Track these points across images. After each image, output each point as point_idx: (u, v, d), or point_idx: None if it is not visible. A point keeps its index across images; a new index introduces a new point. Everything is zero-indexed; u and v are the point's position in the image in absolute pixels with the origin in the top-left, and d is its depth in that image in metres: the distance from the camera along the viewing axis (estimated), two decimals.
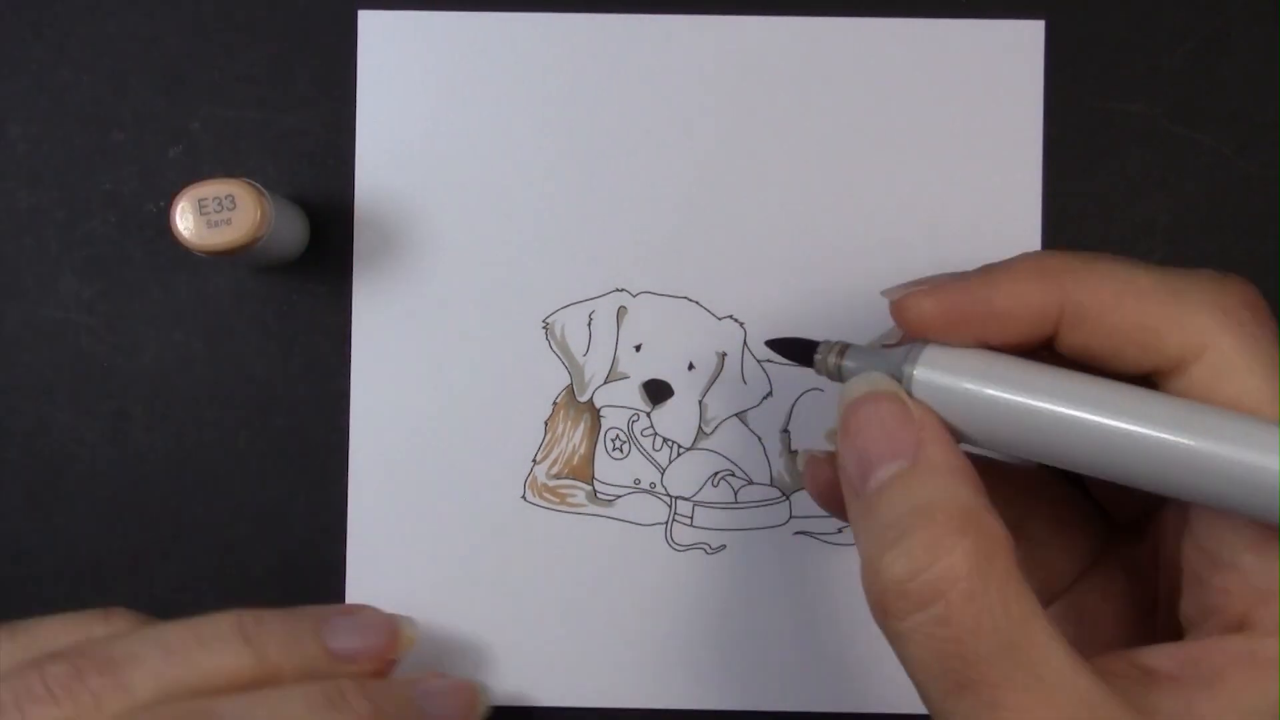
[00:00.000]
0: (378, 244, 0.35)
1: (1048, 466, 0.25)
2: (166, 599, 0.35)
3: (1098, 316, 0.23)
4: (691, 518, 0.35)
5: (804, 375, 0.35)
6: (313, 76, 0.35)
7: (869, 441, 0.24)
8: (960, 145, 0.35)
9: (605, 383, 0.35)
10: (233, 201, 0.30)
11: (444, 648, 0.35)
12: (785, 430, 0.35)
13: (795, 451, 0.35)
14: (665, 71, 0.35)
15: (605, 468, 0.35)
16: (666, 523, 0.35)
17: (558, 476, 0.35)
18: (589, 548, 0.35)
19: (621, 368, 0.35)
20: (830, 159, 0.35)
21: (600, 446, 0.35)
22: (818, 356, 0.27)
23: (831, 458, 0.26)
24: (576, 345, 0.35)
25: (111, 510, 0.35)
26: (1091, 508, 0.30)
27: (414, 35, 0.35)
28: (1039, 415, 0.23)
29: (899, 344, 0.27)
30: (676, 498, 0.35)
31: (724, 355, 0.35)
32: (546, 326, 0.35)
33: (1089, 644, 0.23)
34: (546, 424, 0.35)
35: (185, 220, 0.30)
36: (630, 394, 0.35)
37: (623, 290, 0.35)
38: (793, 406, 0.35)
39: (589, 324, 0.35)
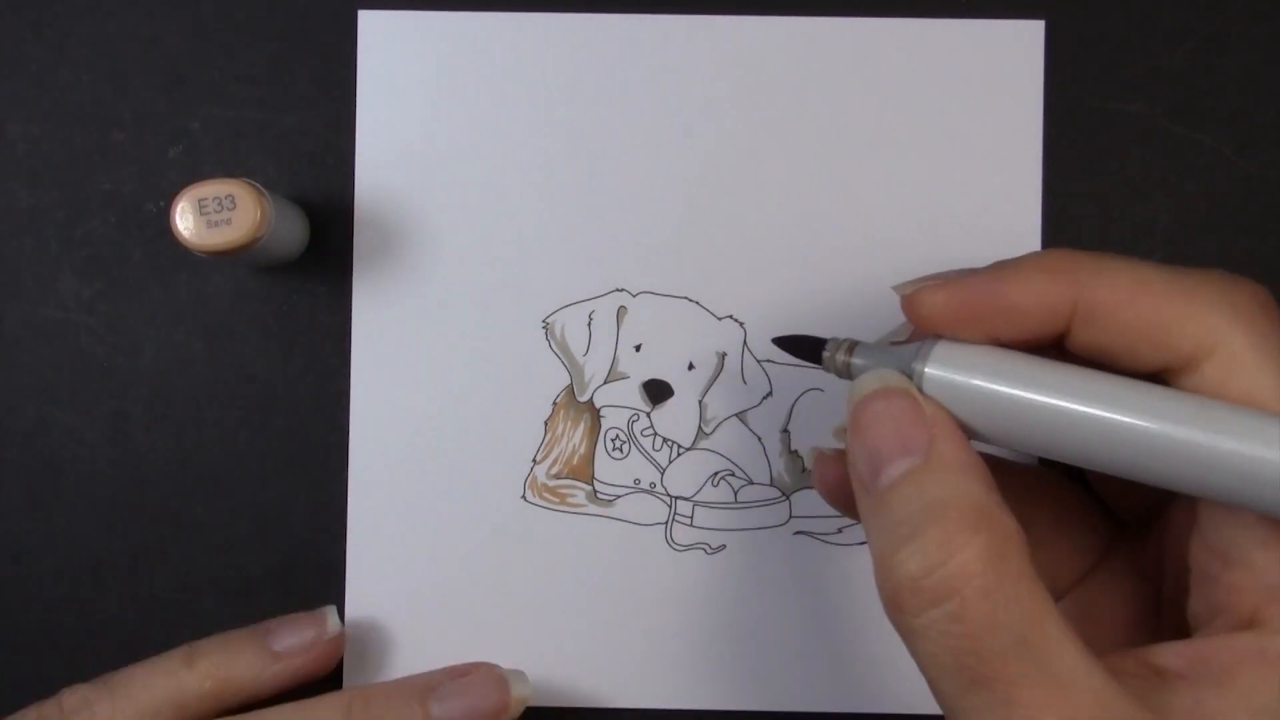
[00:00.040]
0: (378, 244, 0.35)
1: (1050, 464, 0.25)
2: (166, 599, 0.35)
3: (1110, 313, 0.23)
4: (691, 518, 0.35)
5: (804, 375, 0.35)
6: (313, 76, 0.35)
7: (880, 438, 0.24)
8: (960, 145, 0.35)
9: (605, 383, 0.35)
10: (233, 201, 0.30)
11: (444, 648, 0.35)
12: (785, 430, 0.35)
13: (795, 451, 0.35)
14: (665, 71, 0.35)
15: (605, 468, 0.35)
16: (666, 523, 0.35)
17: (558, 476, 0.35)
18: (589, 548, 0.35)
19: (621, 368, 0.35)
20: (830, 159, 0.35)
21: (600, 446, 0.35)
22: (826, 354, 0.26)
23: (840, 455, 0.26)
24: (576, 345, 0.35)
25: (111, 510, 0.35)
26: (1095, 506, 0.30)
27: (414, 35, 0.35)
28: (1051, 412, 0.23)
29: (908, 341, 0.27)
30: (676, 498, 0.35)
31: (724, 355, 0.35)
32: (546, 326, 0.35)
33: (1095, 643, 0.23)
34: (546, 424, 0.35)
35: (185, 220, 0.30)
36: (630, 394, 0.35)
37: (623, 290, 0.35)
38: (793, 406, 0.35)
39: (589, 324, 0.35)
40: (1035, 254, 0.25)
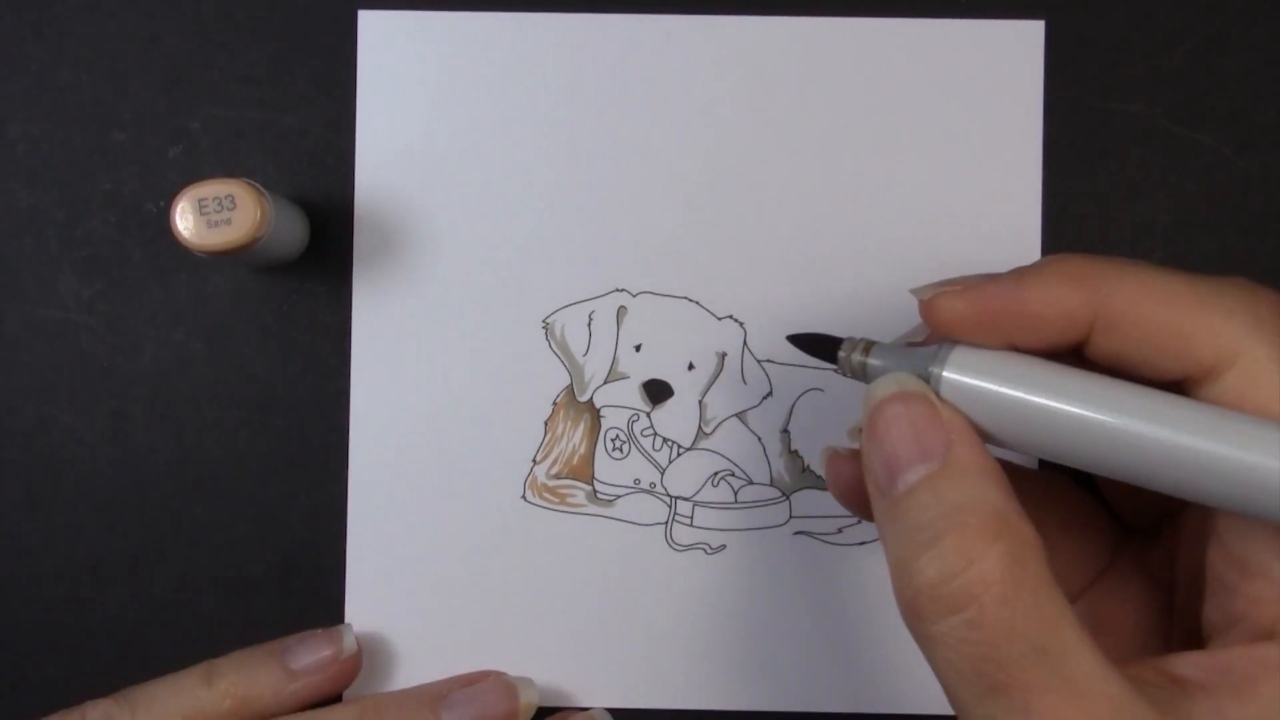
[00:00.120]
0: (378, 244, 0.35)
1: (1058, 470, 0.25)
2: (166, 599, 0.35)
3: (1131, 322, 0.23)
4: (691, 518, 0.35)
5: (804, 375, 0.35)
6: (313, 76, 0.35)
7: (897, 443, 0.24)
8: (960, 145, 0.35)
9: (605, 383, 0.35)
10: (233, 201, 0.30)
11: (444, 648, 0.35)
12: (785, 430, 0.35)
13: (795, 451, 0.35)
14: (665, 71, 0.35)
15: (605, 468, 0.35)
16: (666, 523, 0.35)
17: (558, 476, 0.35)
18: (589, 548, 0.35)
19: (621, 368, 0.35)
20: (830, 159, 0.35)
21: (600, 446, 0.35)
22: (841, 354, 0.26)
23: (854, 455, 0.26)
24: (576, 345, 0.35)
25: (111, 510, 0.35)
26: (1101, 511, 0.30)
27: (414, 35, 0.35)
28: (1070, 420, 0.23)
29: (924, 343, 0.26)
30: (676, 498, 0.35)
31: (724, 355, 0.35)
32: (546, 326, 0.35)
33: (1105, 650, 0.23)
34: (546, 424, 0.35)
35: (185, 220, 0.30)
36: (630, 394, 0.35)
37: (623, 290, 0.35)
38: (793, 406, 0.35)
39: (589, 324, 0.35)
40: (1056, 260, 0.25)
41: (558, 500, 0.35)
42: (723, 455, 0.35)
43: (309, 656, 0.33)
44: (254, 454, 0.35)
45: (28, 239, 0.35)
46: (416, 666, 0.34)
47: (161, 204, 0.35)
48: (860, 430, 0.25)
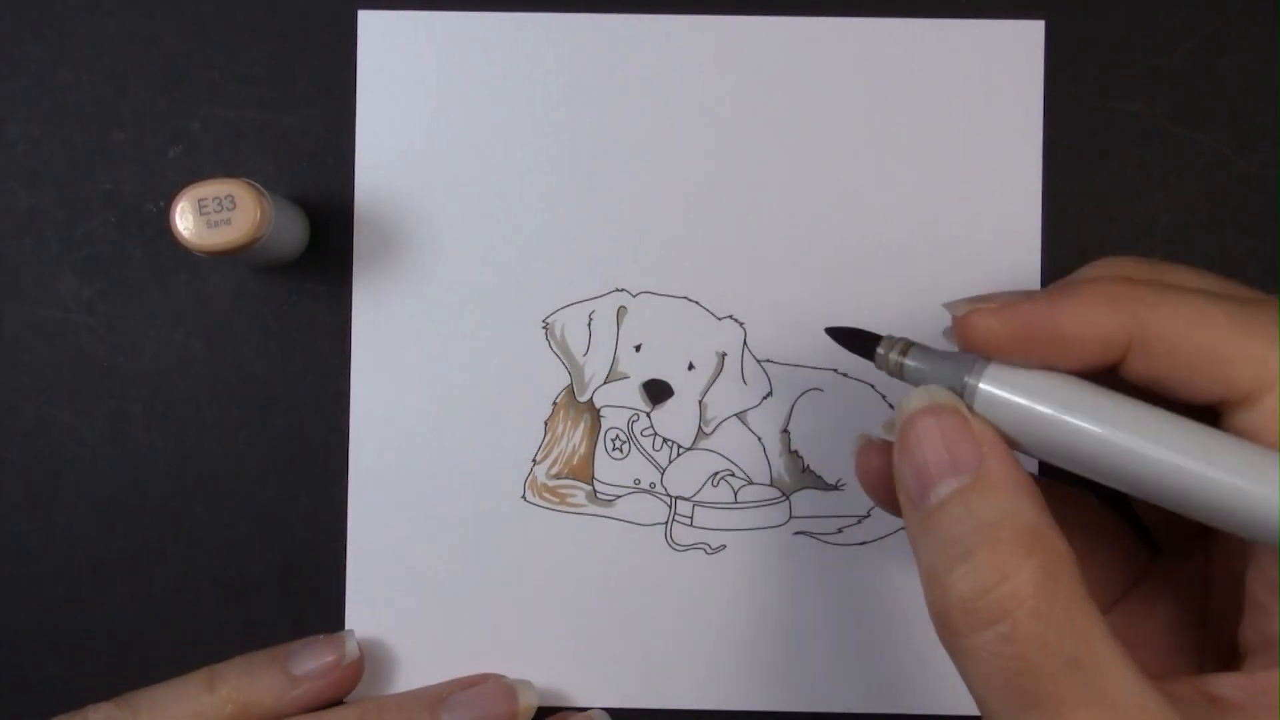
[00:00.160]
0: (378, 244, 0.35)
1: (1087, 484, 0.25)
2: (166, 599, 0.35)
3: (1168, 346, 0.23)
4: (691, 518, 0.35)
5: (804, 375, 0.35)
6: (313, 76, 0.35)
7: (929, 455, 0.24)
8: (960, 145, 0.35)
9: (605, 383, 0.35)
10: (233, 201, 0.30)
11: (443, 647, 0.35)
12: (785, 430, 0.35)
13: (795, 451, 0.35)
14: (665, 71, 0.35)
15: (605, 468, 0.35)
16: (666, 523, 0.35)
17: (558, 476, 0.35)
18: (589, 548, 0.35)
19: (621, 368, 0.35)
20: (830, 159, 0.35)
21: (600, 446, 0.35)
22: (880, 351, 0.26)
23: (886, 446, 0.26)
24: (576, 345, 0.35)
25: (111, 510, 0.35)
26: (1131, 527, 0.30)
27: (414, 35, 0.35)
28: (1104, 443, 0.23)
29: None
30: (676, 498, 0.35)
31: (724, 355, 0.35)
32: (546, 326, 0.35)
33: (1137, 663, 0.23)
34: (546, 424, 0.35)
35: (185, 220, 0.30)
36: (630, 394, 0.35)
37: (623, 290, 0.35)
38: (793, 406, 0.35)
39: (589, 324, 0.35)
40: (1093, 280, 0.24)
41: (558, 500, 0.35)
42: (723, 455, 0.35)
43: (311, 662, 0.33)
44: (254, 454, 0.35)
45: (28, 239, 0.35)
46: (416, 665, 0.35)
47: (161, 204, 0.35)
48: (894, 425, 0.25)
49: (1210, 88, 0.35)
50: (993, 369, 0.24)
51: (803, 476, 0.35)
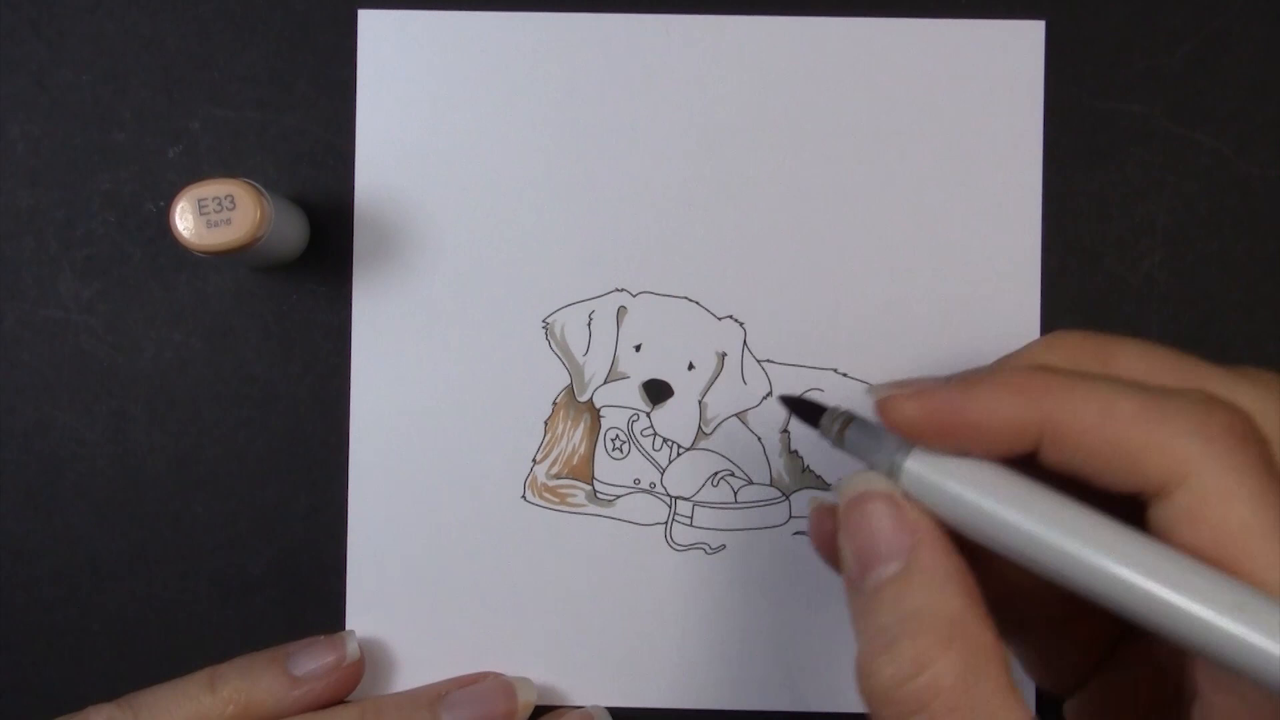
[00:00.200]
0: (378, 244, 0.35)
1: None
2: (166, 599, 0.35)
3: (1078, 438, 0.23)
4: (691, 518, 0.35)
5: (804, 375, 0.35)
6: (313, 76, 0.35)
7: (865, 541, 0.24)
8: (960, 145, 0.35)
9: (605, 383, 0.35)
10: (232, 201, 0.30)
11: (443, 647, 0.35)
12: (785, 430, 0.35)
13: (795, 451, 0.35)
14: (665, 71, 0.35)
15: (605, 468, 0.35)
16: (666, 523, 0.35)
17: (558, 476, 0.35)
18: (589, 548, 0.35)
19: (621, 368, 0.35)
20: (830, 159, 0.35)
21: (600, 446, 0.35)
22: (823, 422, 0.27)
23: (835, 510, 0.26)
24: (576, 345, 0.35)
25: (111, 510, 0.35)
26: None
27: (414, 35, 0.35)
28: (1015, 532, 0.23)
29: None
30: (676, 498, 0.35)
31: (724, 355, 0.35)
32: (546, 326, 0.35)
33: None
34: (546, 424, 0.35)
35: (185, 220, 0.30)
36: (630, 394, 0.35)
37: (623, 290, 0.35)
38: None
39: (589, 324, 0.35)
40: (1007, 370, 0.24)
41: (558, 500, 0.35)
42: (723, 455, 0.35)
43: (312, 663, 0.33)
44: (254, 454, 0.35)
45: (28, 239, 0.35)
46: (416, 664, 0.35)
47: (161, 204, 0.35)
48: (842, 488, 0.25)
49: (1210, 88, 0.35)
50: (918, 451, 0.24)
51: (802, 476, 0.35)
